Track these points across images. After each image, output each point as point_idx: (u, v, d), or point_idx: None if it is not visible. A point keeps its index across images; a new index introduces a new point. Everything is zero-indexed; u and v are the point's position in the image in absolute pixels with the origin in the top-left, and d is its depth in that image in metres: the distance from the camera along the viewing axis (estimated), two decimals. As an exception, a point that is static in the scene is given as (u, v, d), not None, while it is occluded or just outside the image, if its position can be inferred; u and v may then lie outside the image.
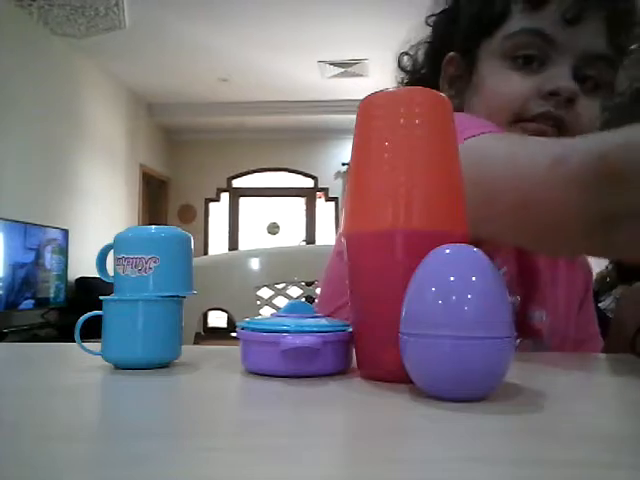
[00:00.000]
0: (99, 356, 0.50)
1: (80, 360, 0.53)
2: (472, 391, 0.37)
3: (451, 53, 0.77)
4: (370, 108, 0.47)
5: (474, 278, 0.38)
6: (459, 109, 0.76)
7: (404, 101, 0.46)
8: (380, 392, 0.41)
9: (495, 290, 0.38)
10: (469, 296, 0.37)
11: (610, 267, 3.57)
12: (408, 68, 0.83)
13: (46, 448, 0.28)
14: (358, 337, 0.47)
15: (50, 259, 3.98)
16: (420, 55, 0.82)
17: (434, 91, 0.47)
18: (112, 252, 0.53)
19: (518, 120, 0.68)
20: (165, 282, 0.51)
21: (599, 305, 3.28)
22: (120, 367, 0.50)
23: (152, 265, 0.50)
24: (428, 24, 0.80)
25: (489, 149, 0.55)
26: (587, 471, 0.26)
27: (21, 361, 0.59)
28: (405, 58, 0.83)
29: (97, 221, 4.98)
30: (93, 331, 0.52)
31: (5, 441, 0.29)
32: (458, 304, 0.37)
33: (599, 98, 0.69)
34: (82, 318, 0.49)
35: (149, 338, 0.49)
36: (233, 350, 0.53)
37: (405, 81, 0.84)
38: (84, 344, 0.49)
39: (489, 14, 0.72)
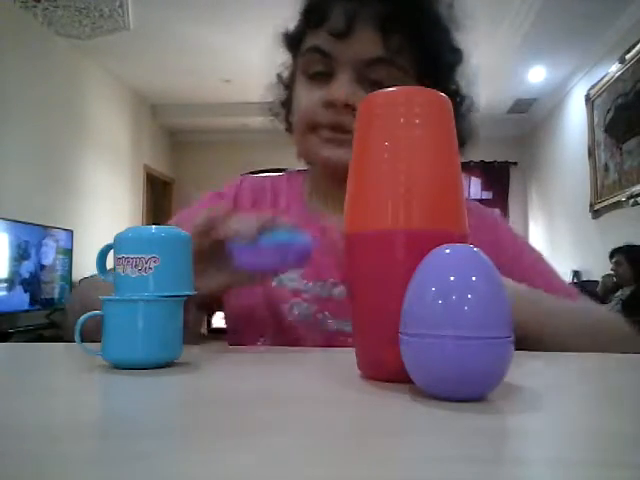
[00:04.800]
0: (99, 356, 0.50)
1: (80, 360, 0.53)
2: (472, 391, 0.37)
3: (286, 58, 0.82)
4: (370, 108, 0.47)
5: (474, 278, 0.38)
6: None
7: (404, 101, 0.46)
8: (380, 392, 0.41)
9: (495, 290, 0.38)
10: (469, 296, 0.37)
11: (615, 271, 3.60)
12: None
13: (46, 447, 0.28)
14: (358, 337, 0.47)
15: (55, 260, 3.99)
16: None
17: (434, 91, 0.47)
18: (112, 252, 0.53)
19: (312, 129, 0.73)
20: (165, 282, 0.51)
21: (604, 307, 3.28)
22: (120, 367, 0.50)
23: (152, 265, 0.50)
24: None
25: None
26: (587, 471, 0.25)
27: (21, 361, 0.59)
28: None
29: (101, 222, 4.98)
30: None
31: (5, 440, 0.29)
32: (458, 304, 0.37)
33: None
34: (82, 318, 0.49)
35: (149, 338, 0.49)
36: (234, 350, 0.53)
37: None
38: (84, 344, 0.49)
39: (294, 32, 0.79)
